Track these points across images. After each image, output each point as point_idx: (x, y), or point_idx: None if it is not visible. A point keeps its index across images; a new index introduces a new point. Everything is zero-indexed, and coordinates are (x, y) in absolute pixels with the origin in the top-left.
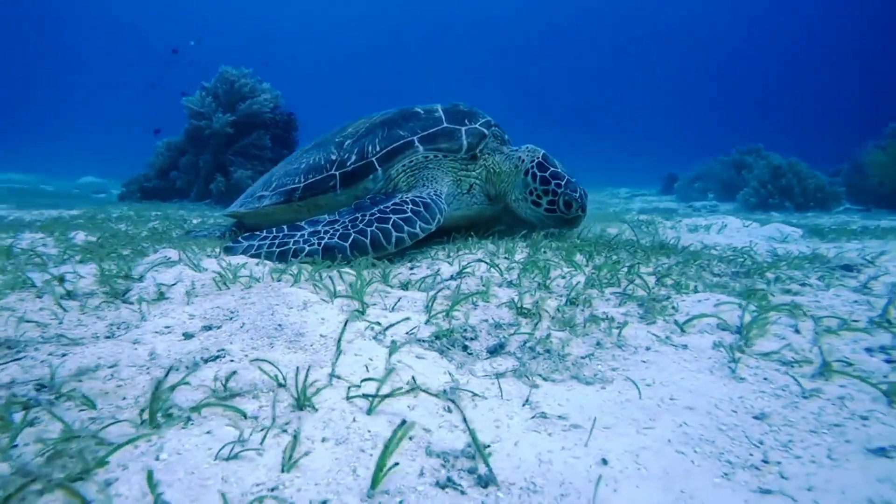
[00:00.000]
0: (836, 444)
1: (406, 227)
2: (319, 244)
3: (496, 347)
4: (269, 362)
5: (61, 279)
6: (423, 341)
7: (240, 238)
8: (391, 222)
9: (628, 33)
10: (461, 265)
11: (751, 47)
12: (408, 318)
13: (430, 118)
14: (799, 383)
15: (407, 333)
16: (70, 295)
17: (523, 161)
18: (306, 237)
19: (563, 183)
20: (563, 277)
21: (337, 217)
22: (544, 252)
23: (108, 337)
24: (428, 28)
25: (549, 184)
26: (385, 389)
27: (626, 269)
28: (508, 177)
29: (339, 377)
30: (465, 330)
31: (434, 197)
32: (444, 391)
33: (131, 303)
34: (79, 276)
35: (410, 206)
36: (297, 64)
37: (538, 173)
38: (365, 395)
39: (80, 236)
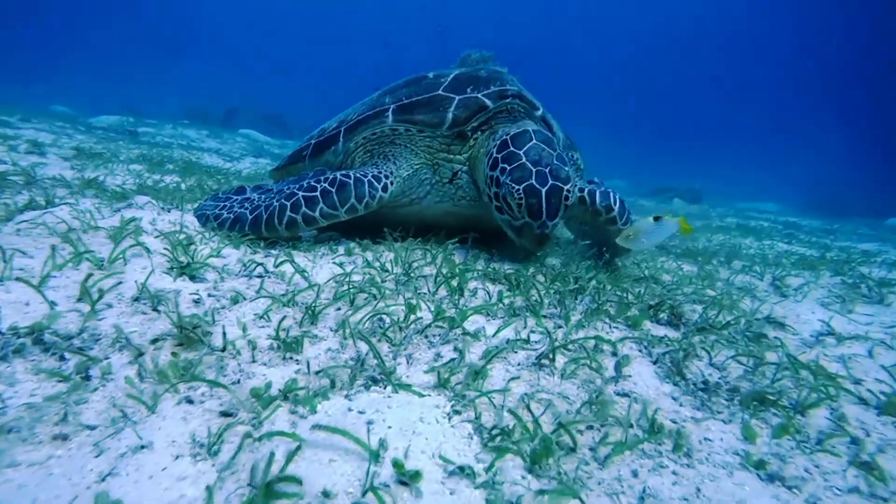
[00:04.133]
0: None
1: (304, 209)
2: (233, 214)
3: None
4: None
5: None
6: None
7: (208, 198)
8: (293, 200)
9: None
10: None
11: None
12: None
13: (430, 84)
14: None
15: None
16: None
17: (494, 138)
18: (232, 205)
19: (509, 168)
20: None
21: (272, 187)
22: (447, 267)
23: None
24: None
25: (496, 168)
26: None
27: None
28: (482, 162)
29: None
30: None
31: (367, 178)
32: None
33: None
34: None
35: (325, 185)
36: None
37: (494, 154)
38: None
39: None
